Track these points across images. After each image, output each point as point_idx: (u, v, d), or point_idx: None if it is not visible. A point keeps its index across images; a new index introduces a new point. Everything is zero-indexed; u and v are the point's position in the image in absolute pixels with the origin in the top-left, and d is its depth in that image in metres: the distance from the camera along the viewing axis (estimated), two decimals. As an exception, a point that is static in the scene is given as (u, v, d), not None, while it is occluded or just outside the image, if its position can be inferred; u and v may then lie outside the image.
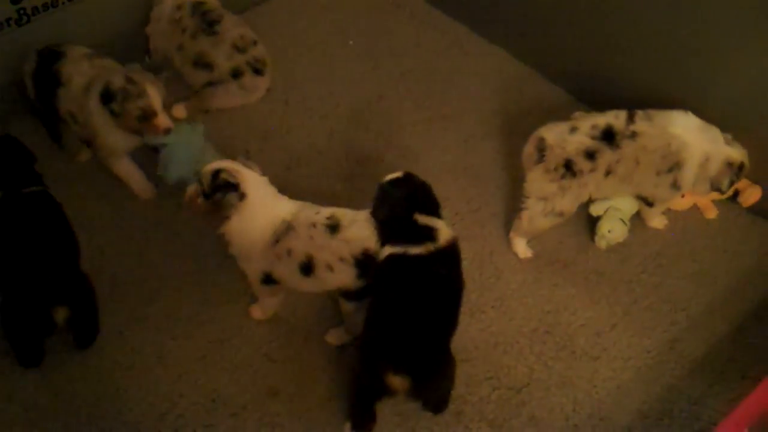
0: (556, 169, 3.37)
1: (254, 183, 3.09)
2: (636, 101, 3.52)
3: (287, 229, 3.07)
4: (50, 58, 3.65)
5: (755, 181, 3.67)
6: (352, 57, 4.51)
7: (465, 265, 3.51)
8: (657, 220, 3.72)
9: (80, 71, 3.61)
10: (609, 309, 3.50)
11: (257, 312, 3.43)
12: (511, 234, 3.65)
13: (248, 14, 4.59)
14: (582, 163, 3.36)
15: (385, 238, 3.01)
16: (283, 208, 3.13)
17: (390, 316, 2.88)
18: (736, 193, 3.71)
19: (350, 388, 3.14)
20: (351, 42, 4.58)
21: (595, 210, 3.62)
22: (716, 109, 3.51)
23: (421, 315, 2.86)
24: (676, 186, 3.46)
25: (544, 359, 3.36)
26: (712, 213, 3.76)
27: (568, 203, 3.47)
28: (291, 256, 3.06)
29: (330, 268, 3.03)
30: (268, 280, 3.18)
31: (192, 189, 3.13)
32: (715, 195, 3.61)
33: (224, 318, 3.45)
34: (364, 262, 3.01)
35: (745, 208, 3.76)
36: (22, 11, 3.77)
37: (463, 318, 3.40)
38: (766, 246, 3.72)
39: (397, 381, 2.82)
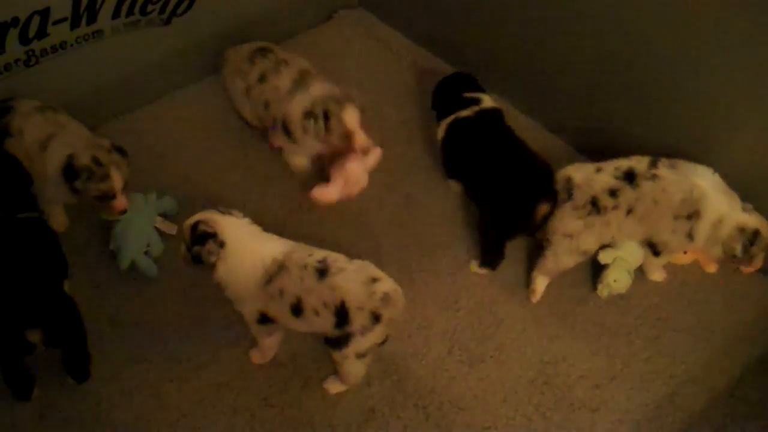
0: (583, 206, 3.47)
1: (232, 229, 3.14)
2: (637, 154, 3.59)
3: (279, 268, 3.09)
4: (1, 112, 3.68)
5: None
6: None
7: (463, 314, 3.58)
8: (657, 273, 3.74)
9: (32, 124, 3.63)
10: (608, 361, 3.50)
11: (257, 356, 3.43)
12: (534, 273, 3.67)
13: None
14: (606, 200, 3.45)
15: (442, 116, 3.94)
16: (272, 247, 3.16)
17: None
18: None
19: None
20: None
21: (603, 258, 3.63)
22: (720, 169, 3.55)
23: None
24: (690, 236, 3.51)
25: (543, 410, 3.35)
26: (711, 267, 3.78)
27: (592, 241, 3.55)
28: (283, 297, 3.08)
29: (316, 312, 3.05)
30: (264, 319, 3.19)
31: (182, 248, 3.18)
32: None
33: (224, 361, 3.44)
34: (341, 313, 3.02)
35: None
36: (30, 52, 3.80)
37: (462, 366, 3.45)
38: (764, 301, 3.73)
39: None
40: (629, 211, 3.48)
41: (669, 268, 3.77)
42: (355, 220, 3.95)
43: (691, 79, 3.63)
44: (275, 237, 3.22)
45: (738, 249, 3.47)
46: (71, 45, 3.90)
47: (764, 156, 3.59)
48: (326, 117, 3.66)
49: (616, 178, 3.48)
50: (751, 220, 3.48)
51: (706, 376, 3.48)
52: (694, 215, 3.47)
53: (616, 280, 3.61)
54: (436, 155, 4.08)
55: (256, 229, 3.21)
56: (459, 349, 3.51)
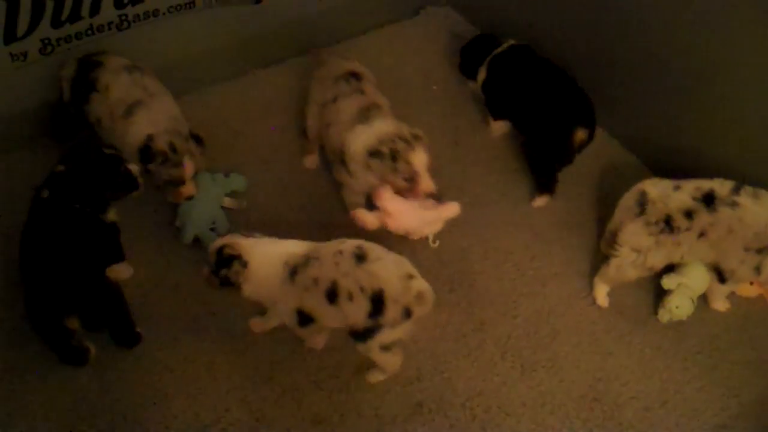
0: (656, 223, 3.42)
1: (253, 247, 3.17)
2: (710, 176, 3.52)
3: (306, 260, 3.12)
4: (89, 66, 3.75)
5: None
6: (433, 101, 4.55)
7: (520, 321, 3.58)
8: (721, 303, 3.70)
9: (120, 83, 3.69)
10: (661, 385, 3.47)
11: (257, 325, 3.50)
12: (596, 279, 3.68)
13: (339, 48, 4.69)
14: (680, 221, 3.41)
15: (478, 63, 4.23)
16: (290, 246, 3.21)
17: None
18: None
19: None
20: (434, 87, 4.64)
21: (667, 284, 3.60)
22: None
23: None
24: (758, 270, 3.45)
25: (590, 426, 3.33)
26: (781, 297, 3.74)
27: (660, 258, 3.52)
28: (318, 284, 3.09)
29: (350, 296, 3.05)
30: (304, 320, 3.20)
31: (205, 271, 3.22)
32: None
33: (278, 340, 3.47)
34: (378, 300, 3.04)
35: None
36: (124, 17, 3.88)
37: (513, 373, 3.45)
38: (825, 342, 3.67)
39: None
40: (701, 234, 3.42)
41: (733, 299, 3.72)
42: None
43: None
44: (296, 241, 3.24)
45: None
46: (163, 13, 3.98)
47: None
48: (393, 157, 3.54)
49: (695, 199, 3.41)
50: None
51: (758, 412, 3.42)
52: (765, 250, 3.42)
53: (678, 307, 3.58)
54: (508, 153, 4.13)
55: (274, 240, 3.24)
56: (512, 355, 3.51)
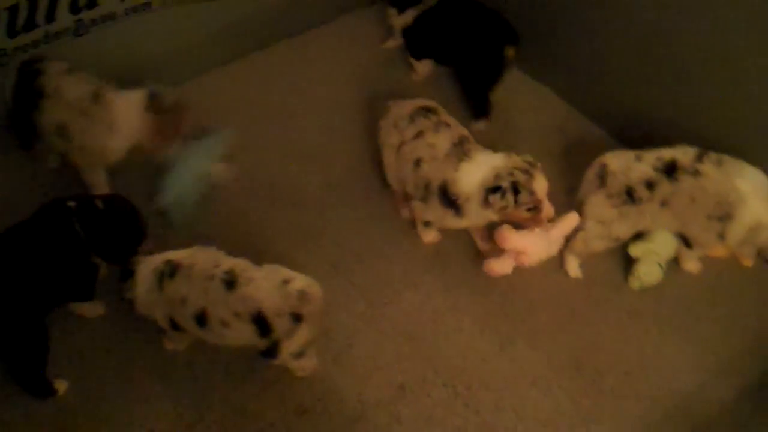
0: (618, 195, 3.44)
1: (145, 264, 3.16)
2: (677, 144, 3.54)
3: (174, 268, 3.09)
4: (30, 74, 3.67)
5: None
6: (398, 85, 4.56)
7: (496, 297, 3.60)
8: (692, 264, 3.74)
9: (69, 83, 3.63)
10: (640, 349, 3.51)
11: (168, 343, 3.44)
12: (565, 252, 3.70)
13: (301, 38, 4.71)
14: (641, 192, 3.42)
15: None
16: (170, 254, 3.18)
17: None
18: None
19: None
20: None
21: (633, 251, 3.64)
22: (760, 161, 3.46)
23: None
24: (722, 236, 3.46)
25: (572, 395, 3.36)
26: (748, 261, 3.76)
27: (624, 229, 3.54)
28: (186, 306, 3.06)
29: (224, 323, 3.01)
30: (177, 325, 3.18)
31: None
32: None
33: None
34: (260, 320, 2.98)
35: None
36: (80, 22, 3.86)
37: (493, 348, 3.47)
38: (799, 295, 3.72)
39: None
40: (663, 204, 3.44)
41: (705, 260, 3.76)
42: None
43: (746, 66, 3.59)
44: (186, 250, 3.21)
45: None
46: (120, 16, 3.96)
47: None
48: (516, 190, 3.34)
49: (656, 169, 3.42)
50: None
51: (736, 368, 3.47)
52: (726, 217, 3.41)
53: (647, 273, 3.62)
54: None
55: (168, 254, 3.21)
56: (490, 332, 3.53)
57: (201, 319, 3.04)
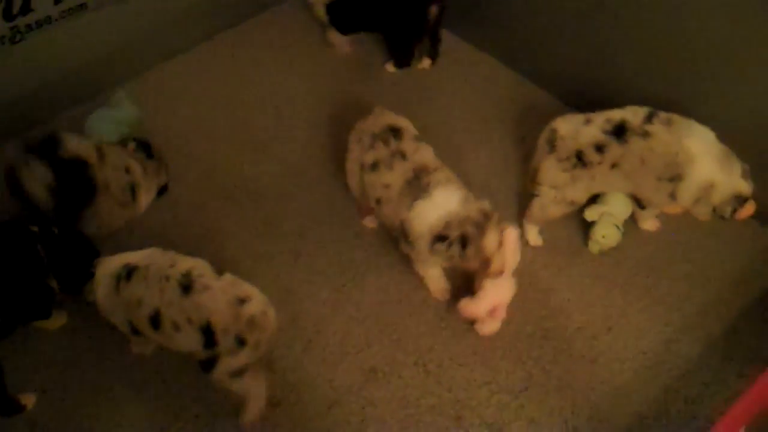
0: (567, 158, 3.44)
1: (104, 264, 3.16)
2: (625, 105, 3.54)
3: (131, 270, 3.05)
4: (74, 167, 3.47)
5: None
6: (340, 67, 4.55)
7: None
8: (649, 223, 3.77)
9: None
10: (604, 312, 3.54)
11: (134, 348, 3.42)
12: (524, 221, 3.72)
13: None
14: (591, 155, 3.43)
15: None
16: (129, 256, 3.15)
17: None
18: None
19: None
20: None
21: (589, 215, 3.67)
22: (709, 118, 3.46)
23: None
24: (673, 196, 3.47)
25: (542, 363, 3.39)
26: (704, 216, 3.79)
27: (578, 193, 3.55)
28: (141, 307, 3.01)
29: (177, 326, 2.95)
30: (137, 330, 3.14)
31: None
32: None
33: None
34: (208, 331, 2.91)
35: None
36: (15, 29, 3.78)
37: (460, 324, 3.47)
38: (757, 246, 3.77)
39: None
40: (614, 166, 3.44)
41: (662, 217, 3.80)
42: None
43: (689, 23, 3.61)
44: (144, 251, 3.17)
45: (728, 212, 3.45)
46: (56, 20, 3.88)
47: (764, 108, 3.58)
48: (463, 244, 3.21)
49: (605, 132, 3.42)
50: (746, 187, 3.43)
51: (702, 322, 3.52)
52: (676, 178, 3.42)
53: (605, 236, 3.64)
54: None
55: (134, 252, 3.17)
56: (456, 307, 3.54)
57: (155, 320, 2.98)
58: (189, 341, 2.95)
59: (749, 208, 3.63)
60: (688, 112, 3.44)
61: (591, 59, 4.07)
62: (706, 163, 3.36)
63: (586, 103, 3.84)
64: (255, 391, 3.10)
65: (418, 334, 3.47)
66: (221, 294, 2.91)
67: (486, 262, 3.23)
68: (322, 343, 3.43)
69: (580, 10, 3.95)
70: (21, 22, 3.76)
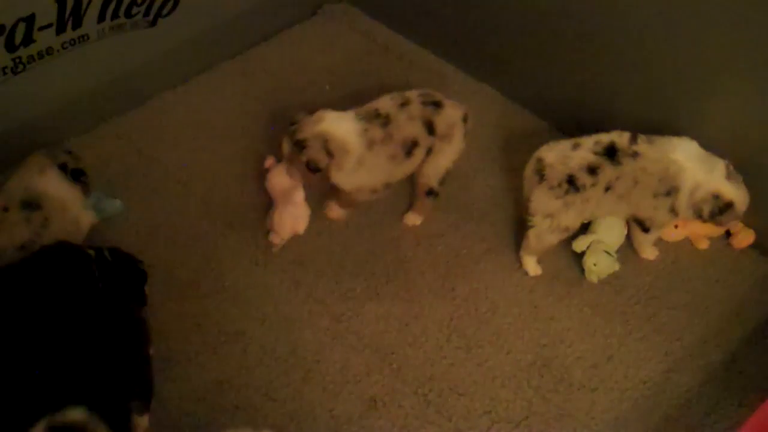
0: (559, 185, 3.45)
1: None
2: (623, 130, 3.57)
3: None
4: None
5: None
6: (335, 100, 4.56)
7: (459, 301, 3.61)
8: (649, 251, 3.78)
9: None
10: (604, 341, 3.53)
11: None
12: (521, 253, 3.72)
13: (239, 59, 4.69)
14: (584, 178, 3.44)
15: None
16: None
17: None
18: (729, 234, 3.82)
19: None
20: (327, 87, 4.63)
21: (577, 246, 3.68)
22: (703, 139, 3.53)
23: None
24: (673, 211, 3.51)
25: (542, 392, 3.38)
26: (703, 244, 3.81)
27: (572, 218, 3.55)
28: None
29: None
30: None
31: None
32: (711, 229, 3.70)
33: (222, 359, 3.45)
34: None
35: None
36: (17, 60, 3.80)
37: (460, 353, 3.47)
38: (756, 275, 3.77)
39: None
40: (608, 189, 3.46)
41: (661, 246, 3.80)
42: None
43: (663, 46, 3.65)
44: None
45: (705, 211, 3.47)
46: (57, 50, 3.90)
47: (741, 120, 3.61)
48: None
49: (596, 153, 3.45)
50: (728, 188, 3.45)
51: (702, 351, 3.51)
52: (673, 191, 3.47)
53: (596, 264, 3.64)
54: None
55: None
56: (457, 336, 3.54)
57: None
58: None
59: (748, 238, 3.66)
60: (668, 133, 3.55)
61: (581, 86, 4.11)
62: (692, 167, 3.44)
63: (582, 130, 3.86)
64: None
65: (417, 363, 3.46)
66: None
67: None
68: (322, 372, 3.42)
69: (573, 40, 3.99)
70: (23, 53, 3.78)
